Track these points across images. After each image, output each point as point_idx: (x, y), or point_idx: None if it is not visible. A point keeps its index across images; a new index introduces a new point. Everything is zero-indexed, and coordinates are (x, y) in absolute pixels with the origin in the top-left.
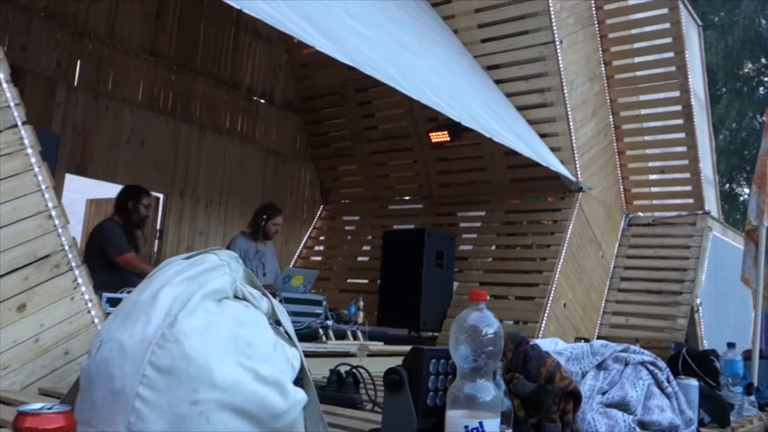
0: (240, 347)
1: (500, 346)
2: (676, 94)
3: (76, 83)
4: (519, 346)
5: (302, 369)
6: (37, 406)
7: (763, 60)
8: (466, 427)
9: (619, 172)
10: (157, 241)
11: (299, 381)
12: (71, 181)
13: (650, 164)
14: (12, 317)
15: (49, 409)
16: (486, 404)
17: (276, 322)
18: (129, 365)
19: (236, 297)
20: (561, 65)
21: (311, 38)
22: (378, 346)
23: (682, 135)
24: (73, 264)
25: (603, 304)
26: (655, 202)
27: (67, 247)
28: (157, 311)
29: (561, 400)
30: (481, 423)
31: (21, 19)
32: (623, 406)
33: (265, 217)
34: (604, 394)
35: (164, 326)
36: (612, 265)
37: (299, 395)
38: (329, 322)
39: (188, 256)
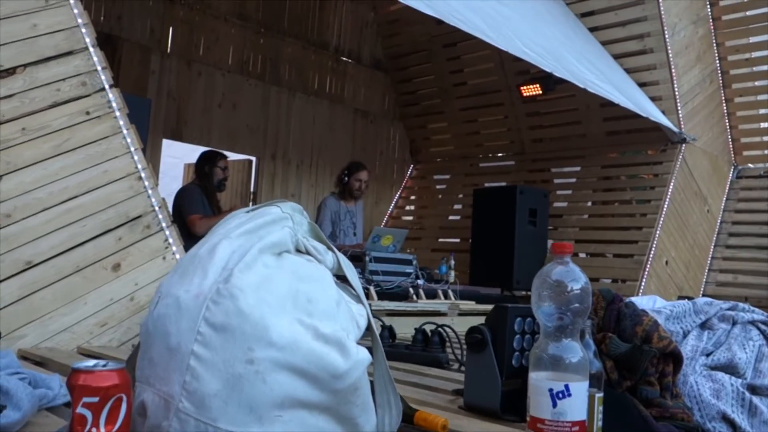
0: (299, 303)
1: (588, 303)
2: None
3: (169, 50)
4: (612, 304)
5: (369, 327)
6: (91, 363)
7: None
8: (551, 390)
9: (727, 121)
10: (250, 203)
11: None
12: (168, 145)
13: (762, 111)
14: (108, 276)
15: (104, 366)
16: (573, 366)
17: (342, 278)
18: (184, 322)
19: (298, 251)
20: (661, 8)
21: None
22: (469, 305)
23: None
24: (164, 224)
25: (709, 262)
26: (767, 152)
27: (157, 208)
28: (214, 265)
29: (659, 362)
30: (567, 386)
31: None
32: (730, 368)
33: (347, 173)
34: (708, 355)
35: (220, 281)
36: (719, 221)
37: (362, 354)
38: (420, 281)
39: (251, 209)
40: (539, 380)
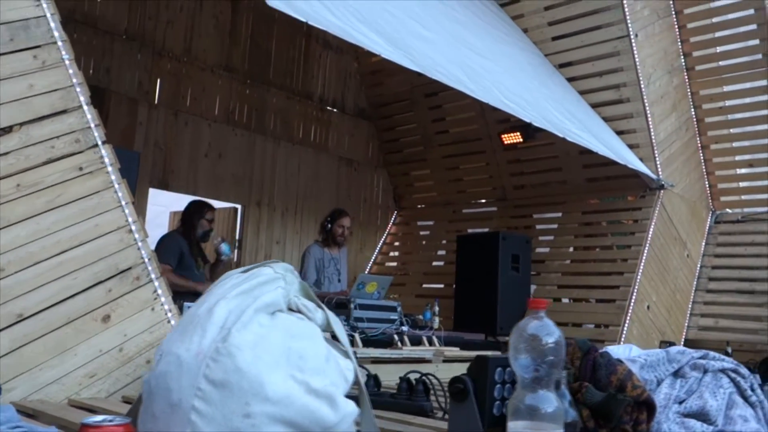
0: (292, 360)
1: (562, 356)
2: (764, 83)
3: (156, 101)
4: (587, 354)
5: (357, 381)
6: (99, 418)
7: None
8: None
9: (704, 167)
10: (236, 251)
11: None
12: (155, 195)
13: (737, 158)
14: (97, 328)
15: (111, 421)
16: (548, 415)
17: (331, 335)
18: (185, 378)
19: (290, 309)
20: (637, 59)
21: (377, 46)
22: (453, 351)
23: None
24: (153, 276)
25: (690, 306)
26: (744, 197)
27: (146, 260)
28: (212, 325)
29: (633, 410)
30: None
31: (104, 42)
32: (702, 416)
33: (330, 220)
34: (681, 403)
35: (218, 340)
36: (698, 265)
37: (350, 408)
38: (404, 328)
39: (246, 270)
40: (517, 429)
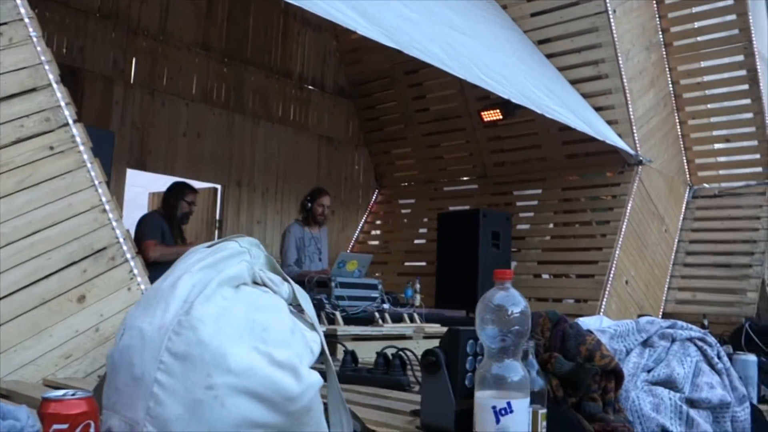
0: (255, 332)
1: (527, 326)
2: (740, 58)
3: (132, 80)
4: (557, 325)
5: (323, 353)
6: (60, 392)
7: None
8: (494, 407)
9: (682, 142)
10: (216, 231)
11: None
12: (133, 175)
13: (715, 133)
14: (73, 308)
15: (72, 395)
16: (514, 384)
17: (297, 307)
18: (148, 352)
19: (255, 283)
20: (615, 35)
21: (354, 23)
22: (434, 328)
23: (747, 101)
24: (128, 255)
25: (668, 280)
26: (721, 172)
27: (121, 240)
28: (175, 299)
29: (602, 379)
30: (509, 403)
31: (78, 20)
32: (670, 383)
33: (309, 198)
34: (649, 371)
35: (181, 313)
36: (676, 240)
37: (314, 378)
38: (385, 306)
39: (211, 245)
40: (483, 398)
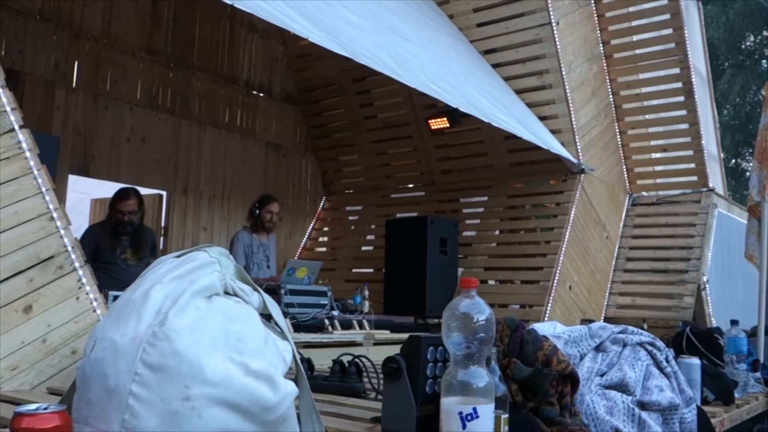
0: (230, 342)
1: (492, 333)
2: (677, 71)
3: (74, 84)
4: (515, 332)
5: (294, 362)
6: (32, 406)
7: (765, 32)
8: (460, 413)
9: (622, 152)
10: (162, 238)
11: (292, 374)
12: (75, 181)
13: (653, 143)
14: (19, 319)
15: (45, 409)
16: (480, 390)
17: (267, 317)
18: (122, 364)
19: (227, 293)
20: (558, 47)
21: (305, 30)
22: (384, 334)
23: (683, 112)
24: (77, 264)
25: (609, 285)
26: (658, 180)
27: (69, 248)
28: (148, 310)
29: (559, 384)
30: (475, 409)
31: (17, 22)
32: (622, 387)
33: (258, 205)
34: (602, 375)
35: (155, 324)
36: (617, 246)
37: (289, 387)
38: (335, 313)
39: (179, 255)
40: (450, 404)
